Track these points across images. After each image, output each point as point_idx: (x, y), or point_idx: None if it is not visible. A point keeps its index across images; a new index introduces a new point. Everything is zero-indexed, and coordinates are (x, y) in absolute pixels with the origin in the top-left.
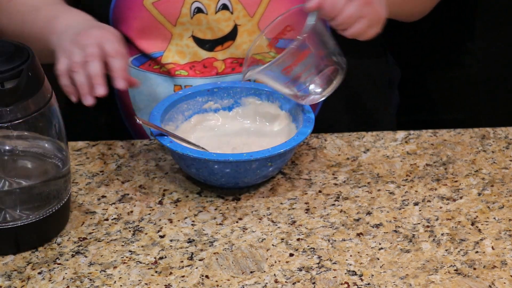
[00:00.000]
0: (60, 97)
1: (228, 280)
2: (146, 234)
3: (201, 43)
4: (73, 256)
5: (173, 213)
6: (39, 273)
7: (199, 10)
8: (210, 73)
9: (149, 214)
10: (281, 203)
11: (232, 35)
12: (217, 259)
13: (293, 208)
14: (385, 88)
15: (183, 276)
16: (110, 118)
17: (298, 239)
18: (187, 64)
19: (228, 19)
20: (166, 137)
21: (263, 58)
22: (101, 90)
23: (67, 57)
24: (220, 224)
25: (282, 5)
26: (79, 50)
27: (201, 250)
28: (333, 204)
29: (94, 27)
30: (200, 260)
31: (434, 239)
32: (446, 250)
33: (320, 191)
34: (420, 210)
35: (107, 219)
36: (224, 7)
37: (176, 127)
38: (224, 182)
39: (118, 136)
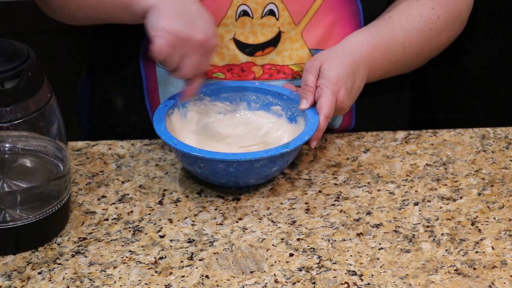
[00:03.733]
0: (90, 96)
1: (228, 280)
2: (146, 234)
3: (242, 46)
4: (73, 256)
5: (173, 213)
6: (39, 273)
7: (245, 13)
8: (247, 77)
9: (149, 214)
10: (281, 203)
11: (274, 42)
12: (217, 259)
13: (293, 208)
14: (402, 84)
15: (183, 276)
16: (139, 117)
17: (298, 239)
18: (225, 66)
19: (273, 25)
20: (164, 130)
21: (300, 70)
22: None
23: (165, 54)
24: (220, 224)
25: (327, 17)
26: (178, 57)
27: (201, 250)
28: (333, 204)
29: (198, 21)
30: (200, 260)
31: (434, 239)
32: (446, 250)
33: (320, 191)
34: (420, 210)
35: (107, 219)
36: (271, 12)
37: (184, 118)
38: (224, 182)
39: (146, 135)
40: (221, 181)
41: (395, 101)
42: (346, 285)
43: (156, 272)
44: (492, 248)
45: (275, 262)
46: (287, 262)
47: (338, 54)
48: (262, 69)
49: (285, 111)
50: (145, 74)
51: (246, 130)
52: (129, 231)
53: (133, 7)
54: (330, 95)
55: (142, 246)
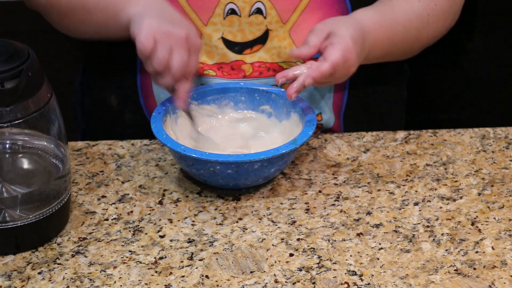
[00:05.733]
0: (83, 95)
1: (228, 280)
2: (146, 234)
3: (230, 45)
4: (73, 256)
5: (173, 213)
6: (39, 273)
7: (232, 12)
8: (237, 76)
9: (149, 214)
10: (281, 203)
11: (262, 39)
12: (217, 259)
13: (293, 208)
14: (399, 82)
15: (183, 276)
16: (134, 117)
17: (298, 239)
18: (215, 64)
19: (260, 23)
20: (166, 136)
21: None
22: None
23: (150, 47)
24: (220, 224)
25: (315, 16)
26: (165, 51)
27: (201, 250)
28: (333, 204)
29: (179, 23)
30: (200, 260)
31: (434, 239)
32: (446, 250)
33: (320, 191)
34: (420, 210)
35: (107, 219)
36: (258, 11)
37: (175, 124)
38: (224, 184)
39: (142, 133)
40: (221, 183)
41: (391, 99)
42: (346, 285)
43: (156, 272)
44: (492, 248)
45: (275, 262)
46: (287, 262)
47: (348, 20)
48: (251, 67)
49: (274, 109)
50: (140, 71)
51: (236, 132)
52: (129, 231)
53: (120, 17)
54: (339, 49)
55: (142, 246)
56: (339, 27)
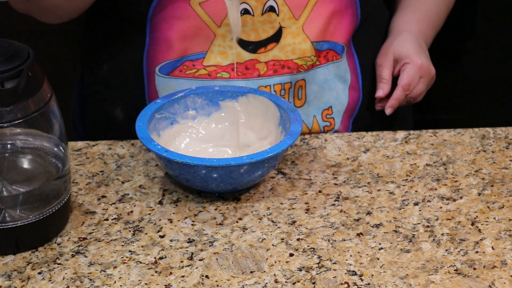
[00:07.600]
0: (84, 107)
1: (228, 280)
2: (146, 234)
3: (244, 44)
4: (73, 256)
5: (173, 213)
6: (39, 273)
7: (245, 12)
8: (252, 75)
9: (149, 214)
10: (281, 203)
11: (276, 37)
12: (217, 259)
13: (293, 208)
14: None
15: (183, 276)
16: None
17: (298, 239)
18: (229, 65)
19: (273, 21)
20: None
21: (304, 63)
22: None
23: None
24: (220, 224)
25: (327, 9)
26: None
27: (201, 250)
28: (333, 204)
29: None
30: (200, 260)
31: (434, 239)
32: (446, 250)
33: (320, 191)
34: (420, 210)
35: (107, 219)
36: (271, 8)
37: (158, 136)
38: (216, 189)
39: None
40: (213, 188)
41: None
42: (346, 285)
43: (156, 272)
44: (492, 248)
45: (275, 262)
46: (287, 262)
47: (398, 36)
48: (266, 66)
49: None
50: (147, 83)
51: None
52: (129, 231)
53: None
54: (411, 69)
55: (142, 246)
56: (399, 48)
